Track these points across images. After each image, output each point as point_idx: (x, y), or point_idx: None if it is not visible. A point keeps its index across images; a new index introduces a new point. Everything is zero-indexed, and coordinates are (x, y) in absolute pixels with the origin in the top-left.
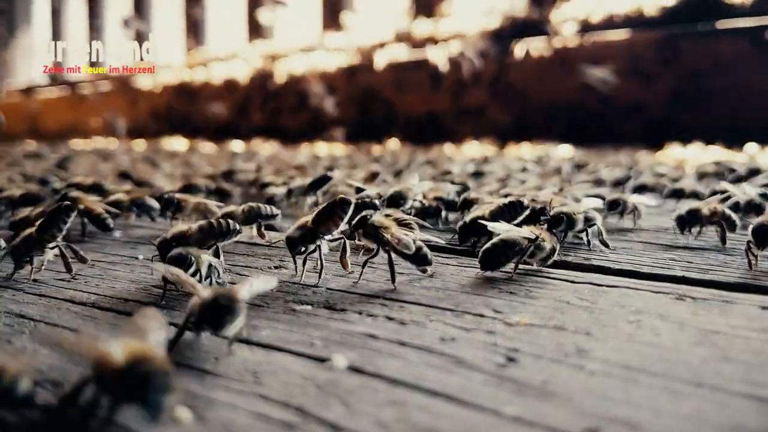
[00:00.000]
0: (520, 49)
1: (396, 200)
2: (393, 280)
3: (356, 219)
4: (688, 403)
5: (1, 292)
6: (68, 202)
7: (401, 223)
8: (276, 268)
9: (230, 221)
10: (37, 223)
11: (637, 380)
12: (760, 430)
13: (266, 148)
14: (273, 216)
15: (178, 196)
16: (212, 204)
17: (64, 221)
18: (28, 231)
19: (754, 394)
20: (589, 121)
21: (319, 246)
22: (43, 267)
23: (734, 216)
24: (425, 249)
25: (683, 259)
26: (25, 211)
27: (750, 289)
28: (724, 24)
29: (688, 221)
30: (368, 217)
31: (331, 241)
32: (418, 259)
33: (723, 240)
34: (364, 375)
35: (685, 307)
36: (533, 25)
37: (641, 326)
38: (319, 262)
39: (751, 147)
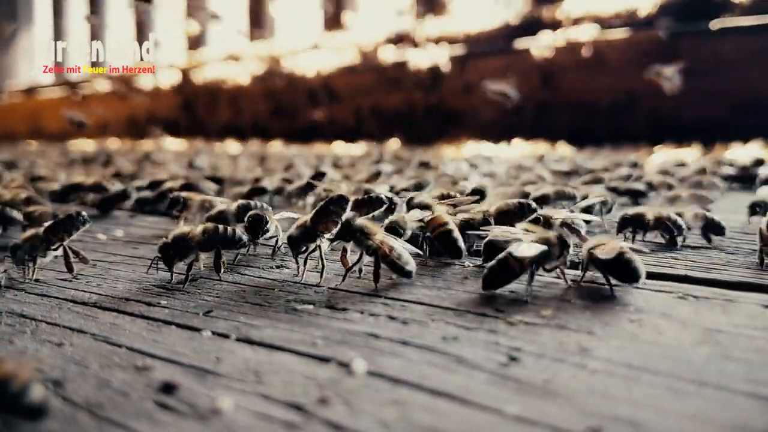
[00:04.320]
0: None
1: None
2: (376, 282)
3: (339, 227)
4: (691, 402)
5: (2, 292)
6: (83, 213)
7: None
8: (277, 267)
9: (237, 231)
10: (46, 225)
11: (640, 379)
12: (763, 429)
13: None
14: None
15: (184, 194)
16: (217, 201)
17: (77, 228)
18: (33, 231)
19: (758, 393)
20: (588, 121)
21: (320, 245)
22: (41, 268)
23: (680, 221)
24: (412, 264)
25: (685, 258)
26: None
27: (753, 288)
28: (724, 23)
29: (632, 225)
30: (350, 222)
31: (332, 240)
32: (403, 273)
33: (674, 242)
34: (365, 374)
35: (688, 305)
36: (535, 23)
37: (643, 325)
38: (320, 262)
39: (755, 145)
